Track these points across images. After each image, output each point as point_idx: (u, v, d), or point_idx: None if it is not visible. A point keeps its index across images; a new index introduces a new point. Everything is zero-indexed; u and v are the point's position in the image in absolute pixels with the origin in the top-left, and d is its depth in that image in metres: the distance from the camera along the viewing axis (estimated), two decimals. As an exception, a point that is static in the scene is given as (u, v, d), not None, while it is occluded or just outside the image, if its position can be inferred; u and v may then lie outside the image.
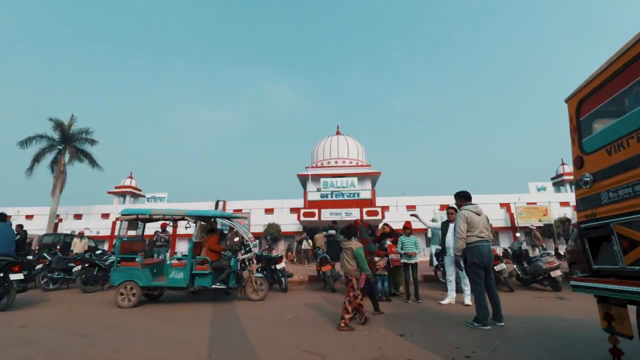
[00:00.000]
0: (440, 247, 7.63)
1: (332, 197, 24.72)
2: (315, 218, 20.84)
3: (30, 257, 8.30)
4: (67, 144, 23.96)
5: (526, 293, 6.45)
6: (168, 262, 6.87)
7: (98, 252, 9.78)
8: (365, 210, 21.38)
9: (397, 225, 9.03)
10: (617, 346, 2.22)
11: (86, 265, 7.53)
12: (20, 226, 8.89)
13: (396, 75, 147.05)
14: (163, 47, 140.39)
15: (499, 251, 9.04)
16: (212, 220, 7.02)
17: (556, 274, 6.42)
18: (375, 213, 21.32)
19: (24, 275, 5.77)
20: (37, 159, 23.20)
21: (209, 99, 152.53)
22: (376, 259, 5.91)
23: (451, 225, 5.51)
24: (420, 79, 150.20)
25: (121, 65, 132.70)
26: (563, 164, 32.81)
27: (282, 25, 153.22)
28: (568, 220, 16.80)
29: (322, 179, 27.40)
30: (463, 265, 4.32)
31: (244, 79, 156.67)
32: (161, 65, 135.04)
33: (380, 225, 6.76)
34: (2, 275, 5.45)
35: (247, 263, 6.45)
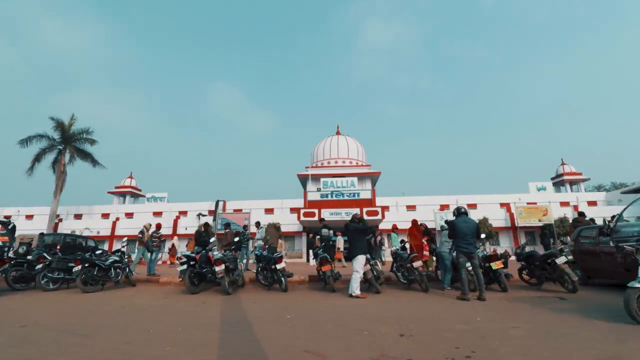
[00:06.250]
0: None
1: (332, 197, 24.75)
2: (315, 218, 20.83)
3: (30, 257, 8.29)
4: (68, 144, 23.98)
5: (526, 292, 6.45)
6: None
7: (98, 252, 9.76)
8: (365, 210, 21.36)
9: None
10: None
11: (86, 265, 7.52)
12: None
13: (395, 75, 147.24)
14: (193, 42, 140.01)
15: (499, 251, 9.08)
16: None
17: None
18: (376, 213, 21.31)
19: None
20: (37, 158, 23.21)
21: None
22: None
23: None
24: (419, 78, 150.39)
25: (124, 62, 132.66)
26: (563, 164, 32.84)
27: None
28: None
29: (322, 179, 27.44)
30: None
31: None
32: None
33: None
34: None
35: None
